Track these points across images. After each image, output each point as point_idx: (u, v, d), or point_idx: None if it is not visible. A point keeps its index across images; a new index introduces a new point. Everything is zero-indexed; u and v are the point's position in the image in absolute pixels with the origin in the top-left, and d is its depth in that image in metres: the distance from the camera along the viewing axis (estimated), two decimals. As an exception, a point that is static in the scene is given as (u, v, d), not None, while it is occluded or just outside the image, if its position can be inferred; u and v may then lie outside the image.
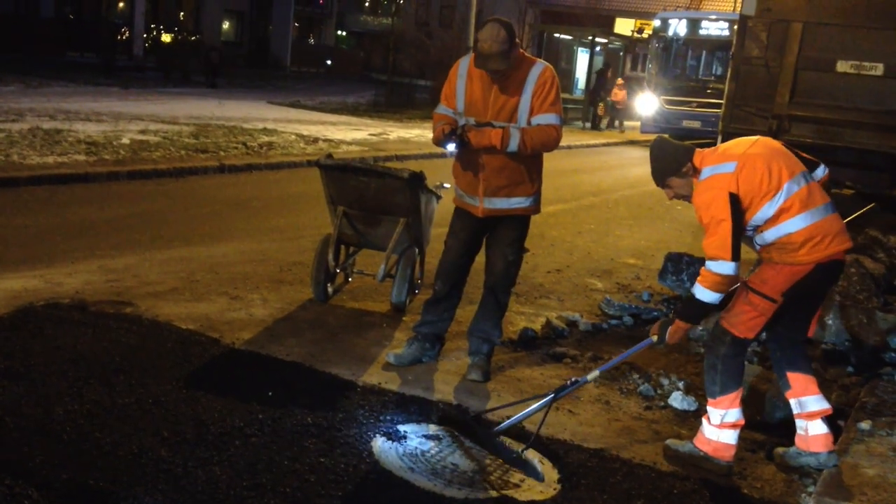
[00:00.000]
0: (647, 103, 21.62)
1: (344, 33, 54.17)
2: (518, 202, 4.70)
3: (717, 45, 21.23)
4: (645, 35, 25.91)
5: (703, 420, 4.00)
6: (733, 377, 3.93)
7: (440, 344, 5.04)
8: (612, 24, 34.16)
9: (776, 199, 3.75)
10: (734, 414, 3.93)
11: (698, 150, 3.97)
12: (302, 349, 4.94)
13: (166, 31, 35.27)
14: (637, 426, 4.41)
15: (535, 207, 4.80)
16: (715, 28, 21.04)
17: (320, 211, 7.04)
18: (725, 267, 3.70)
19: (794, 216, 3.76)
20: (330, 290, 5.91)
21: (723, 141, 10.64)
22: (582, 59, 29.39)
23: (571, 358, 5.24)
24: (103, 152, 10.99)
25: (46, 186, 9.17)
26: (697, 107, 20.76)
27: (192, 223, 8.20)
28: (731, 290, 3.89)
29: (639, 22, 28.89)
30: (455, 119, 4.67)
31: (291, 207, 9.39)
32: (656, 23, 21.90)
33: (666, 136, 4.16)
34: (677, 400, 4.68)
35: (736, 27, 10.49)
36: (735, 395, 3.92)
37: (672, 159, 3.93)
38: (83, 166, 10.06)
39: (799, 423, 4.04)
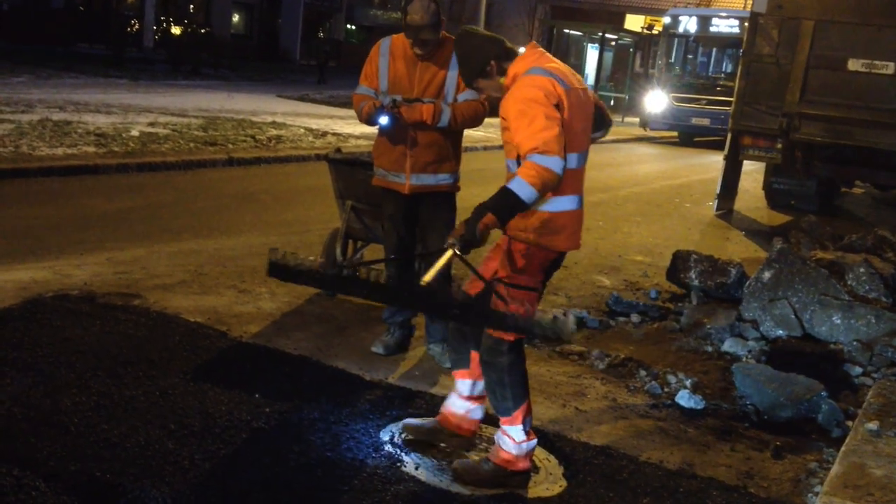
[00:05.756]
0: (656, 100, 21.56)
1: (353, 27, 54.12)
2: (444, 178, 4.72)
3: (727, 43, 21.17)
4: (655, 31, 25.86)
5: (504, 439, 3.61)
6: (521, 383, 3.60)
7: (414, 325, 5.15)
8: (622, 20, 34.13)
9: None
10: (529, 421, 3.63)
11: (508, 45, 3.58)
12: (309, 343, 4.95)
13: (176, 24, 35.27)
14: (644, 424, 4.40)
15: (457, 185, 4.83)
16: (726, 25, 20.97)
17: (328, 205, 7.04)
18: (557, 163, 3.27)
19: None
20: (337, 284, 5.91)
21: (732, 140, 10.73)
22: (592, 55, 29.33)
23: (578, 355, 5.24)
24: (112, 144, 11.01)
25: (56, 178, 9.19)
26: (707, 104, 20.70)
27: (200, 216, 8.21)
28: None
29: (649, 18, 28.86)
30: (379, 100, 4.63)
31: (300, 201, 9.39)
32: (667, 19, 21.84)
33: (470, 27, 3.75)
34: (684, 398, 4.67)
35: (747, 24, 10.45)
36: (527, 403, 3.64)
37: (475, 59, 3.54)
38: (92, 158, 10.08)
39: (466, 404, 3.82)
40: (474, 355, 3.72)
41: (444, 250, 3.28)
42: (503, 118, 3.48)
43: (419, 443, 3.84)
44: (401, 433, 3.91)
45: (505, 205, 3.26)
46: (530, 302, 3.49)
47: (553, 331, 3.22)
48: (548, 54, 3.59)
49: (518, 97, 3.38)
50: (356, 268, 3.59)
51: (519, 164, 3.39)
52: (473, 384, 3.79)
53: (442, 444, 3.84)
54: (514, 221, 3.39)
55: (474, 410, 3.84)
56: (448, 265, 3.34)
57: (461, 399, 3.83)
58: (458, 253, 3.25)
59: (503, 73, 3.53)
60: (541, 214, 3.43)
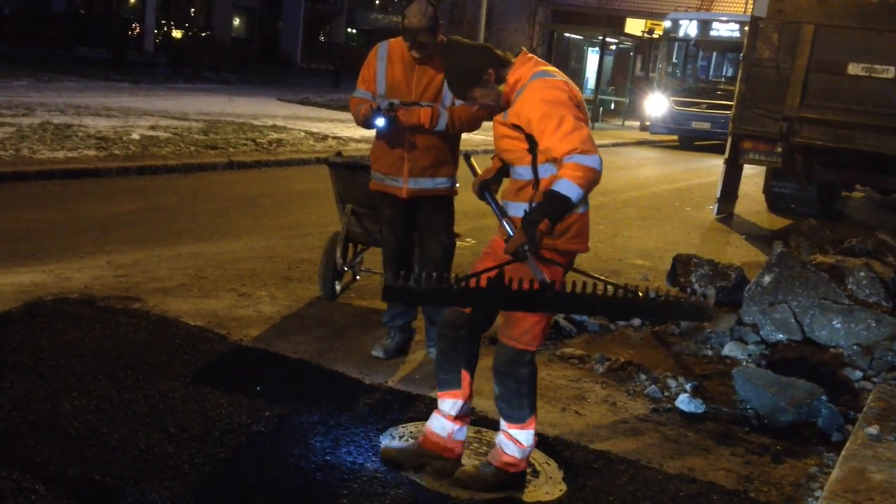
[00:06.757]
0: (656, 104, 21.58)
1: (354, 31, 54.18)
2: (441, 182, 4.73)
3: (727, 47, 21.20)
4: (656, 36, 25.88)
5: (508, 443, 3.56)
6: (535, 391, 3.59)
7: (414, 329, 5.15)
8: (622, 24, 34.15)
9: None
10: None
11: (500, 52, 3.47)
12: (309, 347, 4.95)
13: (177, 27, 35.34)
14: (644, 428, 4.40)
15: (455, 189, 4.84)
16: (726, 29, 21.00)
17: (329, 208, 7.05)
18: (599, 161, 3.24)
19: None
20: (338, 287, 5.92)
21: (733, 144, 10.73)
22: (592, 59, 29.35)
23: (578, 359, 5.23)
24: (113, 147, 11.02)
25: (56, 181, 9.20)
26: (707, 108, 20.72)
27: (200, 219, 8.22)
28: None
29: (649, 22, 28.85)
30: (377, 102, 4.65)
31: (300, 205, 9.40)
32: (667, 24, 21.87)
33: (456, 37, 3.62)
34: (684, 402, 4.67)
35: (747, 28, 10.46)
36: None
37: (471, 69, 3.38)
38: (93, 161, 10.10)
39: (450, 425, 3.65)
40: (465, 375, 3.63)
41: (518, 258, 3.27)
42: (514, 125, 3.37)
43: (405, 467, 3.65)
44: (381, 459, 3.69)
45: (556, 209, 3.21)
46: None
47: (694, 311, 3.22)
48: (541, 60, 3.56)
49: (538, 99, 3.30)
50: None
51: (535, 170, 3.38)
52: (461, 404, 3.64)
53: (427, 468, 3.65)
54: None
55: (458, 431, 3.66)
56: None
57: (444, 419, 3.65)
58: (530, 257, 3.25)
59: (501, 80, 3.41)
60: (567, 218, 3.36)
